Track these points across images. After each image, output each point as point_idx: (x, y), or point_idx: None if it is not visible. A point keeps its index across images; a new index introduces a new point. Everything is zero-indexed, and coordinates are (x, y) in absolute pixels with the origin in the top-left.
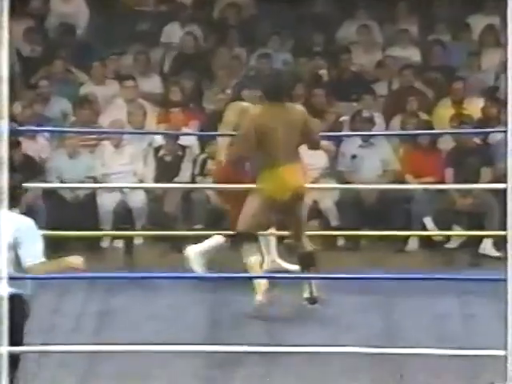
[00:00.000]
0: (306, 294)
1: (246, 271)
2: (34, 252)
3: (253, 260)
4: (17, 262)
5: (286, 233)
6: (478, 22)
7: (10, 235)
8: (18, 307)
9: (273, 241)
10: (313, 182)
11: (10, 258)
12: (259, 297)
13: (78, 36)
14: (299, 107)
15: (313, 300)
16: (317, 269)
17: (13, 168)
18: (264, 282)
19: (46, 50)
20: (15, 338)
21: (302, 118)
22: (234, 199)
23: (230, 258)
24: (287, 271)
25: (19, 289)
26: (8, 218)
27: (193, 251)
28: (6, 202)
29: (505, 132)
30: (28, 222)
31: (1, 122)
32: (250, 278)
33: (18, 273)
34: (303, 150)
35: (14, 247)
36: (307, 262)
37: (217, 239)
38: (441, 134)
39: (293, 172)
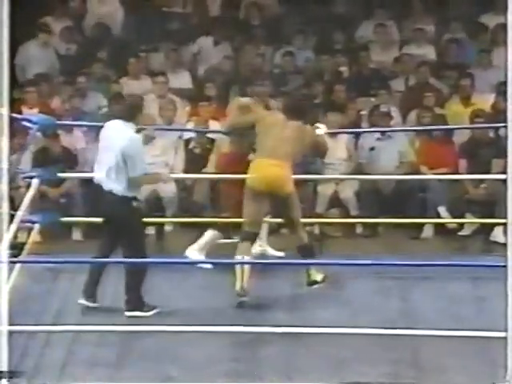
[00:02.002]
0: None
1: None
2: (137, 165)
3: (246, 258)
4: (124, 169)
5: (276, 220)
6: (491, 21)
7: (122, 145)
8: (136, 208)
9: (264, 227)
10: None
11: (118, 164)
12: (242, 284)
13: (114, 34)
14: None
15: (312, 283)
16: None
17: (52, 159)
18: (247, 270)
19: (83, 48)
20: (136, 239)
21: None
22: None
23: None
24: (273, 257)
25: (133, 192)
26: (123, 129)
27: (193, 252)
28: (5, 168)
29: (505, 127)
30: (138, 139)
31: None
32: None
33: (123, 178)
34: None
35: (123, 157)
36: (304, 253)
37: (210, 234)
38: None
39: (273, 166)
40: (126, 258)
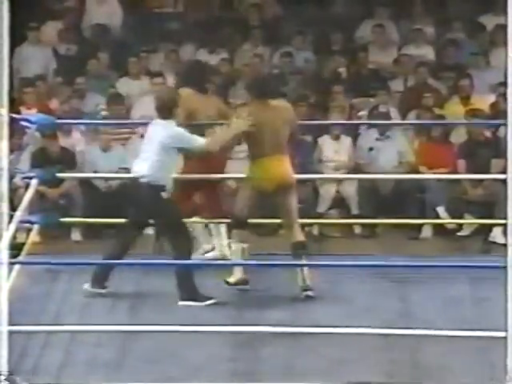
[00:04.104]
0: (301, 283)
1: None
2: (194, 139)
3: (237, 246)
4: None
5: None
6: (490, 22)
7: (165, 138)
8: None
9: (223, 227)
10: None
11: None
12: (232, 279)
13: (112, 35)
14: (286, 104)
15: (306, 288)
16: (307, 257)
17: (51, 159)
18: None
19: (82, 49)
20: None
21: (290, 114)
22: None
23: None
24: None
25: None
26: (162, 127)
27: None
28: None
29: (505, 125)
30: (180, 130)
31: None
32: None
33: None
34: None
35: (169, 148)
36: (298, 250)
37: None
38: (452, 127)
39: (279, 163)
40: (174, 247)
